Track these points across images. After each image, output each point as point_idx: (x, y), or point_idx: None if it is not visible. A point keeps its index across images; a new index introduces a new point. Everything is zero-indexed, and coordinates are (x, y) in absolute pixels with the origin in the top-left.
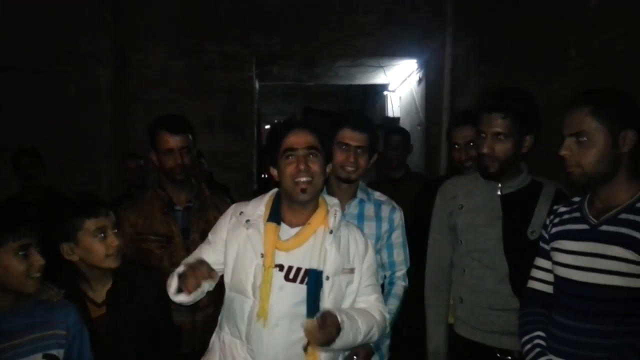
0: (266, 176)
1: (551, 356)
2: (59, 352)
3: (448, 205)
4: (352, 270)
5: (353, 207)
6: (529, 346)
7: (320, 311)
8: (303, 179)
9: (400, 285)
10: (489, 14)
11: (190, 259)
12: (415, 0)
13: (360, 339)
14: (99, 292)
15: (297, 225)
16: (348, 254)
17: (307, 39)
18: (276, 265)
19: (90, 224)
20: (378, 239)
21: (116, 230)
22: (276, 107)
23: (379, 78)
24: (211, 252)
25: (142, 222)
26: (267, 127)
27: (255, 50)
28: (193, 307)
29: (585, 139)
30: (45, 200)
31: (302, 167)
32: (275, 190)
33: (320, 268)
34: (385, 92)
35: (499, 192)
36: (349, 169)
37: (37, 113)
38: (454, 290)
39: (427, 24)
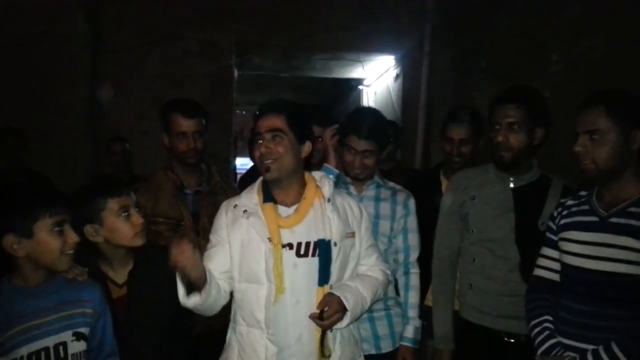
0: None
1: (560, 338)
2: (85, 330)
3: (460, 196)
4: (353, 234)
5: (370, 190)
6: (538, 329)
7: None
8: (267, 161)
9: (414, 275)
10: (469, 14)
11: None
12: None
13: (367, 305)
14: (121, 273)
15: (292, 203)
16: (347, 219)
17: (288, 29)
18: (285, 245)
19: (113, 203)
20: (393, 220)
21: (138, 209)
22: (249, 97)
23: (356, 72)
24: (220, 253)
25: (151, 204)
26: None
27: (235, 39)
28: None
29: (598, 136)
30: (28, 182)
31: (263, 150)
32: (262, 178)
33: (328, 237)
34: (360, 87)
35: (511, 185)
36: (356, 171)
37: (10, 94)
38: (461, 277)
39: (406, 21)
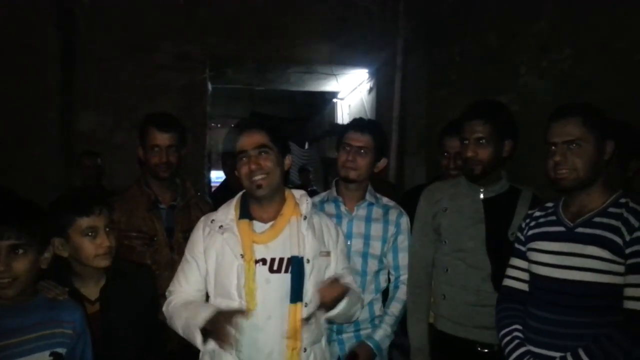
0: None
1: (529, 346)
2: (63, 351)
3: (432, 208)
4: (328, 254)
5: (362, 210)
6: (508, 338)
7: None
8: (258, 177)
9: (404, 289)
10: (440, 28)
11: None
12: (368, 10)
13: (354, 310)
14: (92, 289)
15: (269, 220)
16: (323, 238)
17: (262, 43)
18: (258, 261)
19: (81, 222)
20: (384, 241)
21: (108, 230)
22: (223, 110)
23: (330, 85)
24: (195, 270)
25: (125, 218)
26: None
27: (209, 52)
28: None
29: (576, 146)
30: None
31: (252, 166)
32: (242, 192)
33: (302, 254)
34: (334, 100)
35: (481, 196)
36: (348, 165)
37: None
38: (435, 288)
39: (379, 35)
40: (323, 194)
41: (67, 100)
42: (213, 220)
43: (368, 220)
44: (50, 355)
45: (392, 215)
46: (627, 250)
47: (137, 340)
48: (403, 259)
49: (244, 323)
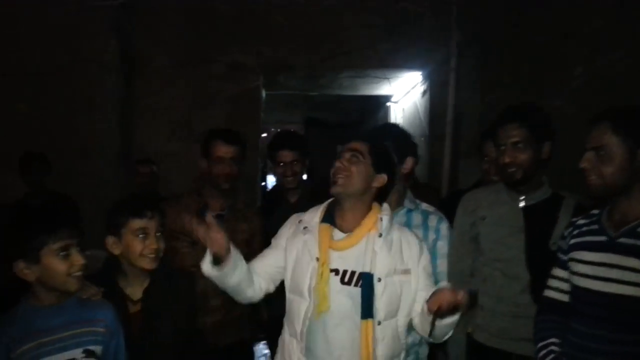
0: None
1: None
2: (97, 348)
3: (470, 216)
4: (407, 271)
5: (400, 216)
6: (544, 352)
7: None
8: (338, 175)
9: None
10: (493, 30)
11: (255, 261)
12: (420, 13)
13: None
14: (136, 290)
15: (348, 230)
16: (401, 255)
17: (313, 50)
18: (332, 270)
19: (134, 223)
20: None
21: (159, 234)
22: (278, 116)
23: (383, 89)
24: (272, 256)
25: (174, 219)
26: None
27: (262, 61)
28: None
29: (604, 152)
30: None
31: (337, 164)
32: (331, 199)
33: (372, 271)
34: (388, 104)
35: (521, 204)
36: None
37: (44, 118)
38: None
39: (431, 37)
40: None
41: (125, 111)
42: (301, 220)
43: (408, 226)
44: (83, 352)
45: (432, 221)
46: None
47: (174, 342)
48: (442, 264)
49: (312, 322)
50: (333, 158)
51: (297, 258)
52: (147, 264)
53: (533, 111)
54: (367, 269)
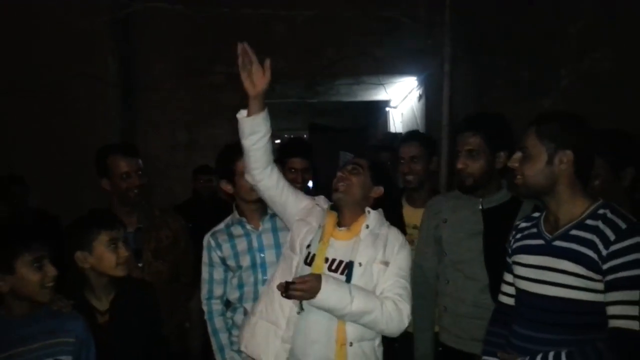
0: None
1: None
2: (68, 359)
3: (434, 219)
4: (386, 263)
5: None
6: None
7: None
8: (338, 183)
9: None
10: (485, 34)
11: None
12: (414, 19)
13: (350, 308)
14: (103, 301)
15: (344, 226)
16: (384, 248)
17: (310, 59)
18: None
19: (105, 235)
20: None
21: (123, 243)
22: (281, 123)
23: (380, 95)
24: (297, 195)
25: None
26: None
27: None
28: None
29: (527, 153)
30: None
31: (338, 174)
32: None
33: (354, 259)
34: (387, 109)
35: (480, 207)
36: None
37: (48, 133)
38: (438, 300)
39: (425, 43)
40: None
41: (127, 124)
42: (317, 204)
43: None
44: None
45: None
46: (604, 266)
47: (141, 350)
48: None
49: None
50: (335, 162)
51: (308, 219)
52: (122, 271)
53: (490, 121)
54: (353, 258)
